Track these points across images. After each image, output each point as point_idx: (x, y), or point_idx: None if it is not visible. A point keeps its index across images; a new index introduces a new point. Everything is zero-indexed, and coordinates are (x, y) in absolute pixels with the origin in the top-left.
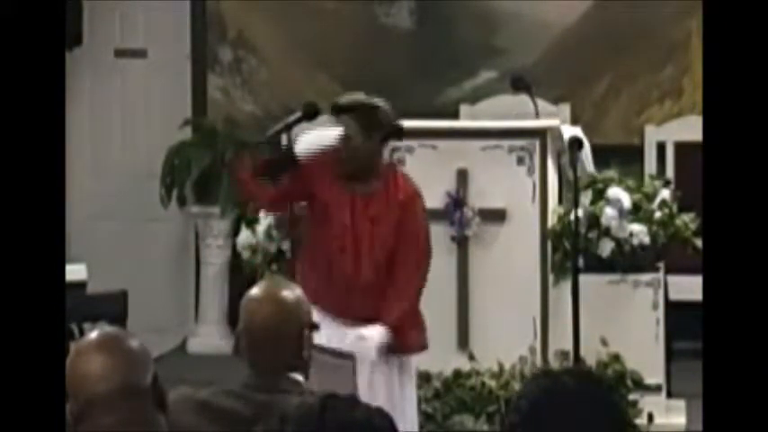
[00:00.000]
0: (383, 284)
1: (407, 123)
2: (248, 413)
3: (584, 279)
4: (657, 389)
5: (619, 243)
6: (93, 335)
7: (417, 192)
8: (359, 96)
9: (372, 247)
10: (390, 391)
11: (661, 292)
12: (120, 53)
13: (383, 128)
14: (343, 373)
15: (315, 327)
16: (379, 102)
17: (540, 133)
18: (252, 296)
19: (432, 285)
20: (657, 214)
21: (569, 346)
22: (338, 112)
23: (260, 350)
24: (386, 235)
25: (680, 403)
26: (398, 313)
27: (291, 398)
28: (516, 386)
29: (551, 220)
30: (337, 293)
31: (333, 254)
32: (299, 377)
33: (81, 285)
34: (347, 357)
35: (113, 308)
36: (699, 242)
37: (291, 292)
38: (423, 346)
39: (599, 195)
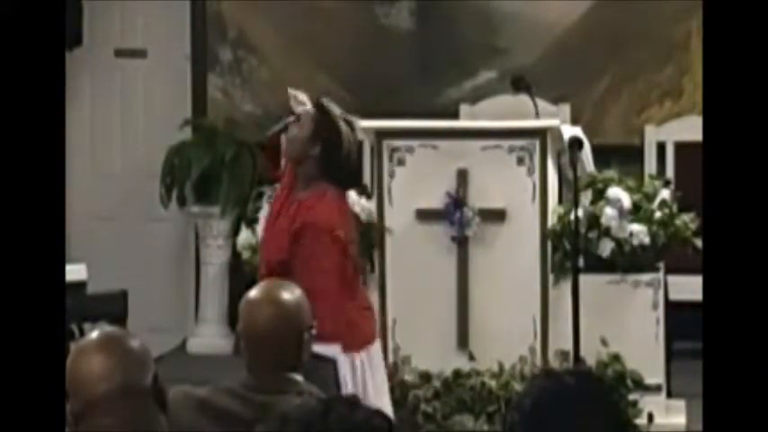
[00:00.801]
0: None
1: (407, 123)
2: (248, 413)
3: (584, 279)
4: (657, 389)
5: (619, 243)
6: (94, 335)
7: (323, 223)
8: (339, 112)
9: (272, 240)
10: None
11: (661, 292)
12: (120, 53)
13: (326, 147)
14: (324, 373)
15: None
16: (347, 136)
17: (540, 133)
18: (252, 297)
19: (432, 285)
20: (657, 214)
21: (569, 346)
22: (314, 104)
23: (259, 351)
24: (277, 244)
25: (680, 403)
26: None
27: (291, 398)
28: (516, 386)
29: (551, 220)
30: None
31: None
32: (299, 377)
33: (81, 285)
34: (327, 360)
35: (113, 308)
36: (699, 242)
37: (292, 294)
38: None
39: (599, 195)
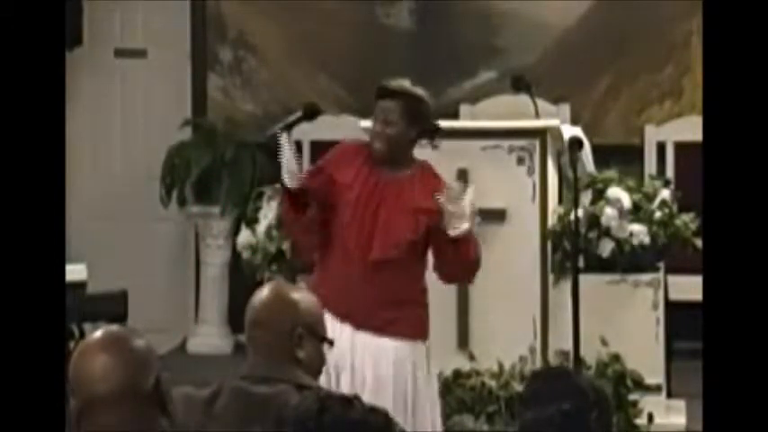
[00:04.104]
0: (398, 282)
1: None
2: (249, 410)
3: (584, 279)
4: (657, 389)
5: (619, 243)
6: (99, 333)
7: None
8: (406, 83)
9: (388, 229)
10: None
11: (661, 292)
12: (120, 53)
13: (423, 121)
14: None
15: (325, 340)
16: (425, 94)
17: (540, 133)
18: (261, 288)
19: (432, 285)
20: (657, 214)
21: (569, 346)
22: (383, 95)
23: (254, 338)
24: (408, 223)
25: (680, 403)
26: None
27: (290, 391)
28: (516, 386)
29: (551, 220)
30: (347, 281)
31: (344, 228)
32: (298, 371)
33: (81, 285)
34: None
35: (113, 308)
36: (699, 242)
37: (297, 292)
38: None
39: (599, 195)
